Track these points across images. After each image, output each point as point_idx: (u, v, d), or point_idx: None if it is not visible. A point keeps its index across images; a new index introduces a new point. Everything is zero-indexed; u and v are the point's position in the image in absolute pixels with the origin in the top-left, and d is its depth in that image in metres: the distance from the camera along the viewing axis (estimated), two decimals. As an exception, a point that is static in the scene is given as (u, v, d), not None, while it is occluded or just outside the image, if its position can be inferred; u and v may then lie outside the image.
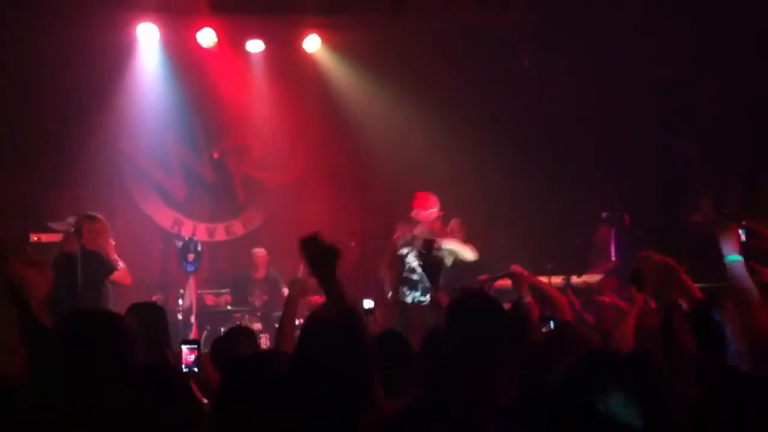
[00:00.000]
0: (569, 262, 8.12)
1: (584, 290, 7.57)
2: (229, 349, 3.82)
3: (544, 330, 4.03)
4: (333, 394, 2.31)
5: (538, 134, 9.44)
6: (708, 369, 3.05)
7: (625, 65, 8.84)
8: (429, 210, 7.32)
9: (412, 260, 7.29)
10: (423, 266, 6.73)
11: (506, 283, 5.40)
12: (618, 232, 8.55)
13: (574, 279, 7.78)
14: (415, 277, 7.25)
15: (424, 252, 6.75)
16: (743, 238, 3.87)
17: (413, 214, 7.35)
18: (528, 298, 4.65)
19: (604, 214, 8.68)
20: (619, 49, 8.77)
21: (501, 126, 9.62)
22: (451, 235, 7.56)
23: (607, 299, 5.45)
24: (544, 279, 7.55)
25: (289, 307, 3.70)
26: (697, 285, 6.35)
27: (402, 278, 7.27)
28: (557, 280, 7.62)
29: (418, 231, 7.26)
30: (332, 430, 2.27)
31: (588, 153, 9.31)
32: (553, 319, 4.14)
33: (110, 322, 2.75)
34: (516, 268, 4.98)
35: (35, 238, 7.95)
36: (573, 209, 9.05)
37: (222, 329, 8.15)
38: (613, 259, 8.32)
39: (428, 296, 6.97)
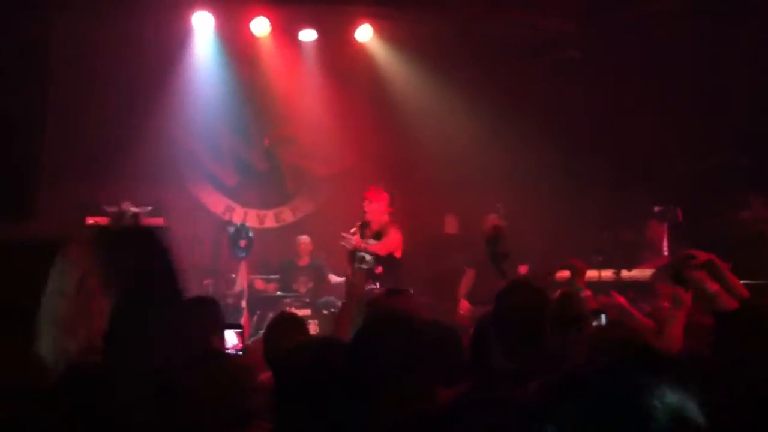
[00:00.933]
0: (619, 256, 8.03)
1: (635, 285, 7.52)
2: (280, 337, 3.85)
3: (594, 323, 4.00)
4: (395, 384, 2.32)
5: (589, 128, 9.34)
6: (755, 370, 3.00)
7: (675, 62, 8.70)
8: (378, 204, 7.38)
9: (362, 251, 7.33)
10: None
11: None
12: (671, 226, 8.43)
13: (624, 273, 7.69)
14: (364, 266, 7.29)
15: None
16: None
17: (365, 204, 7.39)
18: (586, 291, 4.62)
19: (656, 209, 8.56)
20: (668, 45, 8.63)
21: (551, 121, 9.54)
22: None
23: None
24: (593, 273, 7.56)
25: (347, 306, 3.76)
26: (745, 282, 6.27)
27: (354, 269, 7.32)
28: (607, 273, 7.56)
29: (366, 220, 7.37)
30: (391, 420, 2.28)
31: (641, 147, 9.18)
32: (604, 313, 4.10)
33: None
34: (575, 261, 4.96)
35: (91, 221, 8.11)
36: (625, 203, 8.95)
37: (271, 314, 8.27)
38: (666, 254, 8.20)
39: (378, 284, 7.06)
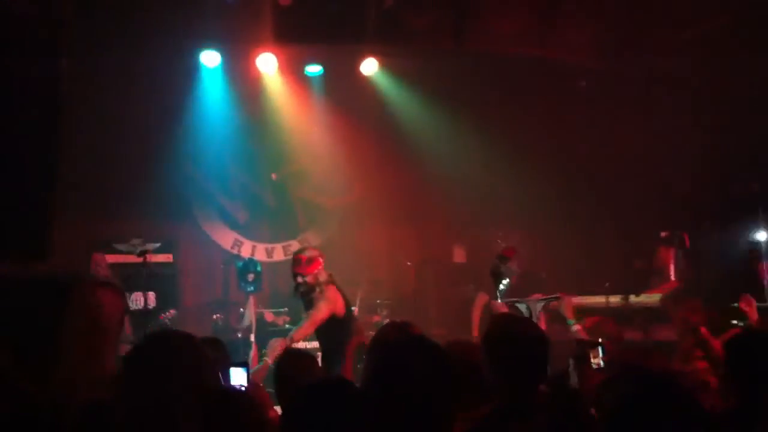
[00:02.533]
0: (628, 281, 8.05)
1: (643, 310, 7.53)
2: (292, 376, 3.86)
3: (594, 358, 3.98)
4: (413, 421, 2.31)
5: (597, 157, 9.39)
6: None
7: (684, 91, 8.77)
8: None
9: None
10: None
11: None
12: (677, 252, 8.45)
13: (633, 299, 7.71)
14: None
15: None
16: None
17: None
18: (577, 326, 4.64)
19: (663, 234, 8.58)
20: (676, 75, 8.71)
21: (559, 148, 9.61)
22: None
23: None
24: (601, 298, 7.58)
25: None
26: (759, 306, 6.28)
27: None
28: (615, 299, 7.58)
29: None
30: None
31: (647, 173, 9.24)
32: (600, 345, 4.08)
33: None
34: (562, 293, 4.99)
35: (99, 258, 8.17)
36: (632, 229, 8.98)
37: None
38: (673, 279, 8.22)
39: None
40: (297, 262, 6.63)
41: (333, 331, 6.49)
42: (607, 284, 7.69)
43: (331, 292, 6.52)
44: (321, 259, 6.67)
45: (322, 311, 6.40)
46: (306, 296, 6.57)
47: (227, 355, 4.14)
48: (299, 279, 6.56)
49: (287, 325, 9.02)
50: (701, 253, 8.40)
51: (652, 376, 2.44)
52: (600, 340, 4.20)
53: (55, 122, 8.03)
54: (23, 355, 2.66)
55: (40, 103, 7.73)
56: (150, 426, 2.39)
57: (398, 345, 2.61)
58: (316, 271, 6.57)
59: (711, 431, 2.93)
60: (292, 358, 4.22)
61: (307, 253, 6.73)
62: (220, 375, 3.86)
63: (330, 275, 6.63)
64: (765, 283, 7.54)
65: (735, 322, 6.30)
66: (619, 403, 2.27)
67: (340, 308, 6.51)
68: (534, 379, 3.00)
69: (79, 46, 8.36)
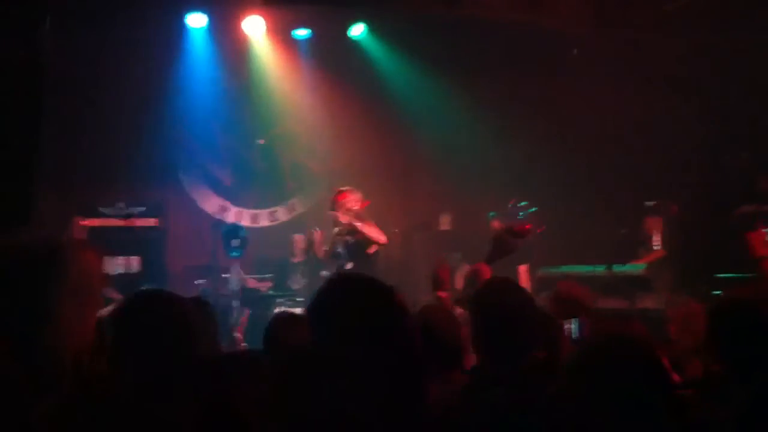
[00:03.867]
0: (614, 250, 8.07)
1: (628, 279, 7.55)
2: (281, 336, 3.84)
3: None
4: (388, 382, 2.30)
5: (585, 124, 9.36)
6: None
7: (674, 64, 8.72)
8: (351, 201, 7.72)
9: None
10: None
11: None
12: (664, 221, 8.47)
13: (618, 268, 7.73)
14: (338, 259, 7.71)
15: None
16: None
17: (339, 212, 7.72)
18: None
19: (650, 204, 8.59)
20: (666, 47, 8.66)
21: (547, 117, 9.57)
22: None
23: None
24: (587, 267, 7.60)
25: None
26: (742, 276, 6.29)
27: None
28: (600, 268, 7.60)
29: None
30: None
31: (635, 142, 9.21)
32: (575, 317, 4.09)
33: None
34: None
35: (87, 223, 8.13)
36: (619, 198, 8.98)
37: (264, 313, 8.29)
38: (659, 248, 8.24)
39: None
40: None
41: None
42: (593, 254, 7.72)
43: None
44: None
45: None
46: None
47: (214, 319, 4.10)
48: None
49: (271, 291, 9.04)
50: (688, 222, 8.42)
51: (617, 334, 2.44)
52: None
53: (37, 88, 7.95)
54: (4, 324, 2.62)
55: (22, 63, 7.65)
56: (141, 395, 2.37)
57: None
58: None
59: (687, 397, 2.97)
60: (285, 321, 4.18)
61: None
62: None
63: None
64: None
65: (718, 293, 6.34)
66: (579, 357, 2.31)
67: None
68: (521, 345, 2.96)
69: (60, 7, 8.28)
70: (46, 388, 2.36)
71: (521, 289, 3.19)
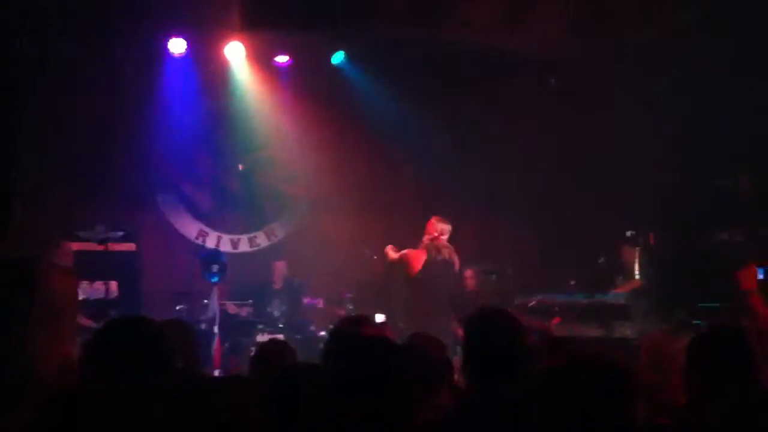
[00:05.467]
0: (592, 279, 8.10)
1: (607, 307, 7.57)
2: (269, 363, 3.81)
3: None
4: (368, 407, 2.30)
5: (563, 153, 9.42)
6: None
7: (649, 85, 8.81)
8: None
9: None
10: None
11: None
12: (643, 251, 8.50)
13: (597, 296, 7.76)
14: None
15: None
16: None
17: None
18: None
19: (628, 233, 8.62)
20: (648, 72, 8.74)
21: (526, 145, 9.63)
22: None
23: None
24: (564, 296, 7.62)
25: None
26: (722, 305, 6.31)
27: None
28: (579, 296, 7.62)
29: None
30: None
31: (613, 172, 9.27)
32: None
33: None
34: None
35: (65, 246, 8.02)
36: (598, 228, 9.01)
37: (243, 340, 8.22)
38: (638, 278, 8.28)
39: None
40: None
41: None
42: (572, 282, 7.73)
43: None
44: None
45: None
46: None
47: (193, 337, 4.04)
48: None
49: (251, 318, 8.97)
50: (666, 252, 8.45)
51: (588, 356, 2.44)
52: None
53: (16, 106, 7.90)
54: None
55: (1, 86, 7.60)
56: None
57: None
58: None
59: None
60: (274, 345, 4.16)
61: None
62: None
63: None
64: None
65: (697, 322, 6.36)
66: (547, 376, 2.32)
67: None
68: (507, 374, 2.96)
69: (41, 31, 8.26)
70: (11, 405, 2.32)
71: (513, 319, 3.19)
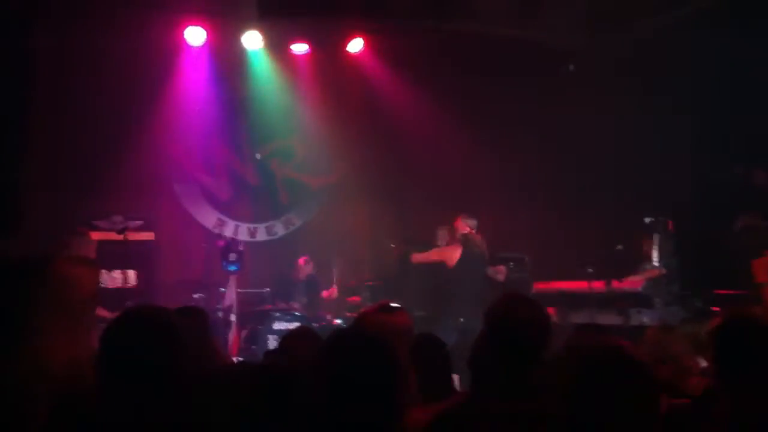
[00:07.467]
0: (610, 266, 8.04)
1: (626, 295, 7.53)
2: (294, 349, 3.81)
3: None
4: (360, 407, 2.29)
5: (580, 140, 9.35)
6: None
7: (665, 74, 8.73)
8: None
9: None
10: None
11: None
12: (662, 237, 8.44)
13: (615, 283, 7.71)
14: None
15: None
16: None
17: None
18: None
19: (647, 220, 8.56)
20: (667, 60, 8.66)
21: (543, 132, 9.57)
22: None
23: None
24: (584, 284, 7.58)
25: None
26: (738, 292, 6.26)
27: None
28: (599, 284, 7.58)
29: None
30: None
31: (632, 157, 9.20)
32: None
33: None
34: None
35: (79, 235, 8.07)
36: (616, 214, 8.95)
37: (260, 328, 8.25)
38: (657, 265, 8.22)
39: None
40: None
41: None
42: (590, 270, 7.68)
43: None
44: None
45: None
46: None
47: (208, 327, 4.04)
48: None
49: (268, 306, 9.00)
50: (686, 238, 8.39)
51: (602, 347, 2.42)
52: None
53: (33, 96, 7.95)
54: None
55: (17, 76, 7.65)
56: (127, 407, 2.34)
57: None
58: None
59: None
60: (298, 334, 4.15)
61: None
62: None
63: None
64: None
65: (716, 309, 6.31)
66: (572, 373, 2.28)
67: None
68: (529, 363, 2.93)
69: (56, 20, 8.31)
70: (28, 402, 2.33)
71: (536, 306, 3.16)
